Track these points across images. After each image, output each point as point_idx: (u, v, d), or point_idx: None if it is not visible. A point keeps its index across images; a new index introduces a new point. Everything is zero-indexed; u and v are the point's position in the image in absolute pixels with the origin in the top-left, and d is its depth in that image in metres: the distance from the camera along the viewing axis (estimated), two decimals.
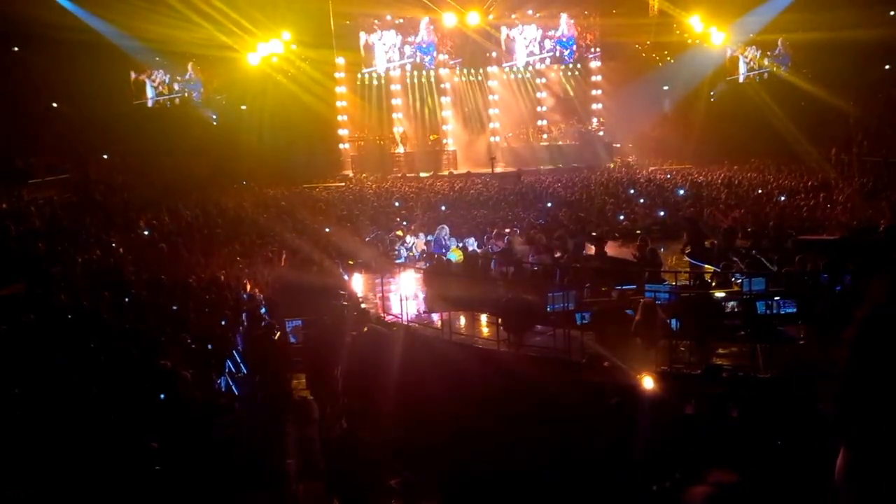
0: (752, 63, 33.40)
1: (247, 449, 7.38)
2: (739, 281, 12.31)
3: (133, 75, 30.56)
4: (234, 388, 9.90)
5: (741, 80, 33.60)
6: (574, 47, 35.73)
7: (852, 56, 27.98)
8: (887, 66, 29.90)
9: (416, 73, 35.19)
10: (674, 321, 10.30)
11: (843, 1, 26.41)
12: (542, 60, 35.87)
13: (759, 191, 23.52)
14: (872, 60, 28.92)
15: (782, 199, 21.82)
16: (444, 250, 16.67)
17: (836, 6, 26.39)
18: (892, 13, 28.21)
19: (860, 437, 1.04)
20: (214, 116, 32.23)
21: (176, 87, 31.72)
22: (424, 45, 34.60)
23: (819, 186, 23.27)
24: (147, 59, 30.52)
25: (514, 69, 36.16)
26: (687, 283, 12.96)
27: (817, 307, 10.01)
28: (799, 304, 10.69)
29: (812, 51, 31.60)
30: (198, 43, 28.55)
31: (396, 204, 23.50)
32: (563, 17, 35.19)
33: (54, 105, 27.81)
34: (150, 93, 31.22)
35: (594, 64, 36.21)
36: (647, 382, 8.37)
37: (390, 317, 12.34)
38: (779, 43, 32.70)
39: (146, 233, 18.27)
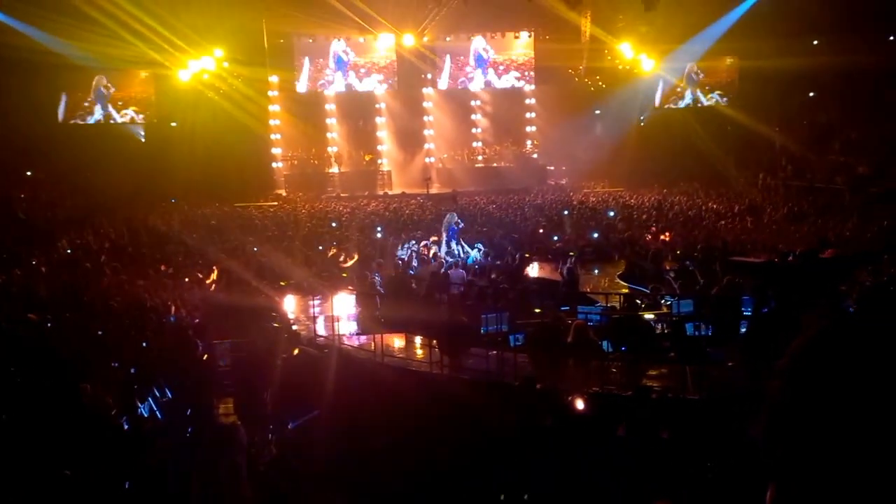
0: (682, 92, 34.44)
1: (171, 477, 7.09)
2: (669, 303, 12.54)
3: (65, 97, 29.72)
4: (158, 413, 9.54)
5: (674, 105, 34.60)
6: (510, 70, 36.19)
7: (777, 84, 29.17)
8: (811, 94, 31.24)
9: (351, 92, 35.06)
10: (605, 342, 10.41)
11: (768, 31, 27.51)
12: (477, 82, 36.20)
13: (690, 213, 24.16)
14: (796, 88, 30.19)
15: (709, 221, 22.48)
16: (455, 236, 17.00)
17: (761, 36, 27.47)
18: (814, 42, 29.52)
19: (788, 473, 1.01)
20: (141, 133, 31.43)
21: (106, 107, 30.83)
22: (360, 65, 34.57)
23: (746, 210, 24.05)
24: (73, 75, 29.66)
25: (450, 90, 36.39)
26: (617, 304, 13.14)
27: (744, 330, 10.26)
28: (724, 327, 10.94)
29: (738, 78, 32.85)
30: (126, 59, 27.89)
31: (334, 224, 23.26)
32: (483, 39, 35.66)
33: None
34: (84, 112, 30.39)
35: (528, 87, 36.75)
36: (579, 404, 8.40)
37: (322, 339, 12.14)
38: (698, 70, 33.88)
39: (69, 251, 17.61)
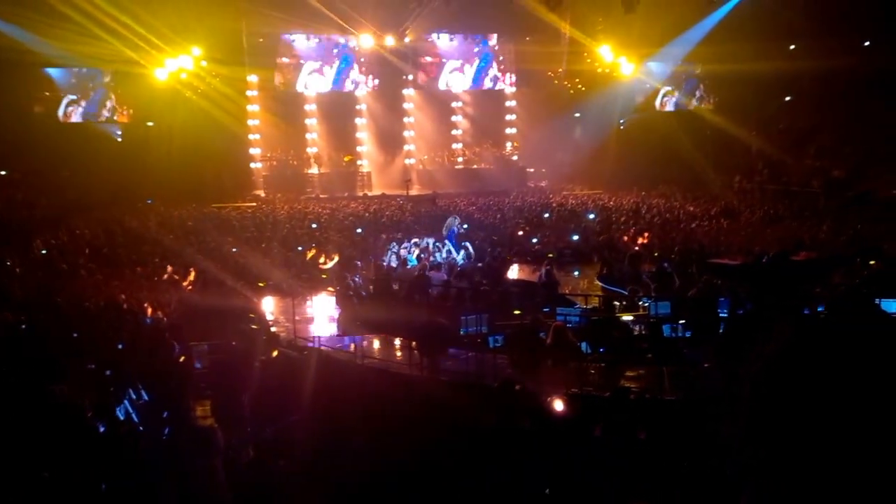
0: (661, 95, 34.72)
1: (147, 480, 7.02)
2: (646, 304, 12.62)
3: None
4: (134, 415, 9.44)
5: (654, 108, 34.86)
6: (489, 72, 36.29)
7: (754, 88, 29.47)
8: (787, 98, 31.60)
9: (331, 93, 34.95)
10: (584, 344, 10.46)
11: (745, 34, 27.79)
12: (458, 84, 36.24)
13: (667, 216, 24.34)
14: (773, 92, 30.53)
15: (686, 223, 22.69)
16: (454, 239, 16.97)
17: (738, 39, 27.74)
18: (791, 47, 29.85)
19: (761, 477, 1.02)
20: (118, 132, 31.11)
21: (81, 104, 30.54)
22: (339, 66, 34.49)
23: (721, 212, 24.27)
24: (50, 74, 29.35)
25: (430, 91, 36.40)
26: (597, 306, 13.20)
27: (720, 331, 10.35)
28: (701, 328, 11.04)
29: (716, 82, 33.18)
30: (102, 58, 27.57)
31: (314, 226, 23.16)
32: (480, 41, 35.73)
33: None
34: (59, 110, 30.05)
35: (509, 90, 36.83)
36: (558, 405, 8.44)
37: (302, 341, 12.09)
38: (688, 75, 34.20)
39: (44, 252, 17.40)
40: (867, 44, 27.96)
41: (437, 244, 18.67)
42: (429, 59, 35.73)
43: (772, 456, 1.02)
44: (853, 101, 27.96)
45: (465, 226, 19.12)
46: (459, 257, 18.08)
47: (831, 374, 1.00)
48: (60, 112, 30.31)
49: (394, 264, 17.12)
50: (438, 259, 17.67)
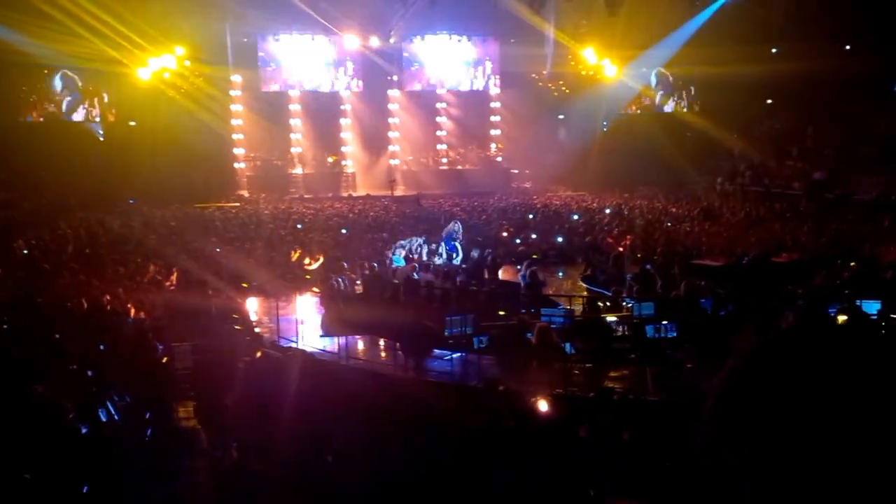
0: (644, 98, 34.94)
1: (131, 483, 6.98)
2: (630, 305, 12.69)
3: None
4: (116, 417, 9.37)
5: (637, 111, 35.07)
6: (474, 74, 36.33)
7: (736, 90, 29.72)
8: (769, 101, 31.88)
9: (315, 93, 34.86)
10: (568, 345, 10.50)
11: (728, 38, 28.01)
12: (443, 85, 36.27)
13: (650, 217, 24.47)
14: (755, 95, 30.79)
15: (669, 225, 22.86)
16: (454, 244, 16.99)
17: (720, 43, 27.96)
18: (773, 50, 30.13)
19: (725, 488, 1.04)
20: (101, 132, 30.86)
21: (64, 104, 30.29)
22: (324, 66, 34.43)
23: (702, 214, 24.44)
24: (31, 72, 29.09)
25: (415, 93, 36.41)
26: (581, 307, 13.24)
27: (701, 331, 10.42)
28: (683, 328, 11.11)
29: (699, 85, 33.42)
30: (84, 57, 27.35)
31: (299, 226, 23.09)
32: (465, 42, 35.78)
33: None
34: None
35: (493, 91, 36.90)
36: (542, 405, 8.46)
37: (286, 341, 12.04)
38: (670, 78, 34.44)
39: (25, 252, 17.24)
40: (848, 48, 28.27)
41: (433, 245, 18.68)
42: (414, 65, 35.72)
43: (735, 468, 1.03)
44: (834, 105, 28.26)
45: (461, 232, 19.15)
46: (456, 260, 18.08)
47: (793, 389, 0.99)
48: (43, 111, 30.05)
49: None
50: (437, 261, 17.69)
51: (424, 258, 17.97)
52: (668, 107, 34.90)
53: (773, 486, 0.97)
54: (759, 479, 0.98)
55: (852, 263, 14.94)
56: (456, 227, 19.19)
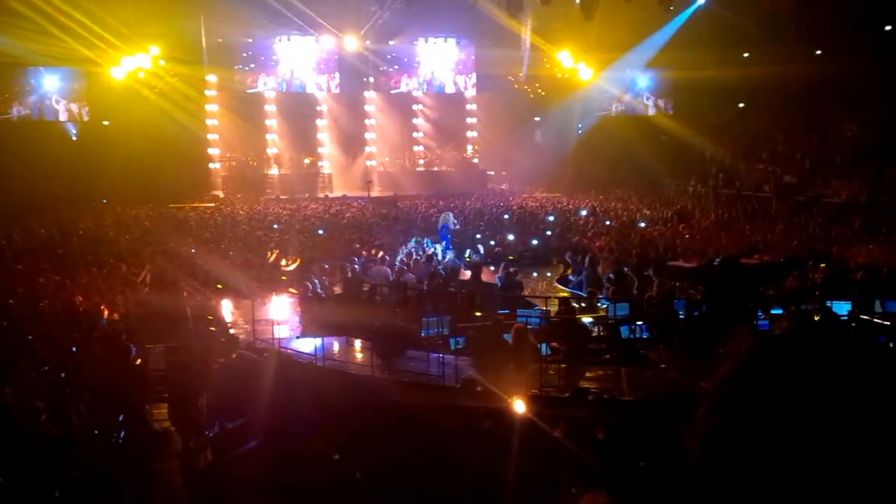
0: (620, 100, 35.19)
1: (104, 485, 6.91)
2: (605, 306, 12.79)
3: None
4: (89, 419, 9.27)
5: (612, 113, 35.31)
6: (451, 75, 36.39)
7: (709, 94, 30.05)
8: (741, 105, 32.27)
9: (291, 94, 34.70)
10: (544, 346, 10.55)
11: (701, 42, 28.31)
12: (419, 87, 36.28)
13: (624, 219, 24.67)
14: (727, 99, 31.16)
15: (643, 225, 23.08)
16: (448, 235, 17.00)
17: (694, 46, 28.26)
18: (745, 55, 30.49)
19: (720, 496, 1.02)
20: (74, 132, 30.47)
21: (32, 100, 29.87)
22: (300, 67, 34.30)
23: (676, 216, 24.70)
24: (3, 72, 28.66)
25: (392, 94, 36.40)
26: (557, 308, 13.32)
27: (675, 332, 10.53)
28: (657, 329, 11.22)
29: (672, 89, 33.74)
30: (57, 56, 26.98)
31: (276, 227, 22.97)
32: (441, 44, 35.82)
33: None
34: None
35: (470, 93, 36.98)
36: (519, 406, 8.50)
37: (262, 343, 11.98)
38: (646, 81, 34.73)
39: None
40: (819, 52, 28.71)
41: (431, 244, 18.78)
42: (391, 67, 35.71)
43: (727, 476, 1.00)
44: (805, 109, 28.68)
45: (457, 225, 19.18)
46: (448, 255, 18.14)
47: (792, 393, 0.97)
48: (14, 111, 29.62)
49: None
50: (449, 255, 17.77)
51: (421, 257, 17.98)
52: (643, 110, 35.17)
53: (773, 486, 0.95)
54: (758, 479, 0.96)
55: (822, 265, 15.17)
56: (449, 216, 19.20)
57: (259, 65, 33.97)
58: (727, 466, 0.96)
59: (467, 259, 18.55)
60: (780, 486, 0.93)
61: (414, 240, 19.57)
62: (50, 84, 30.07)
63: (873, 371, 0.97)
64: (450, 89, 36.61)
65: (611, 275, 15.21)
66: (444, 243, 18.69)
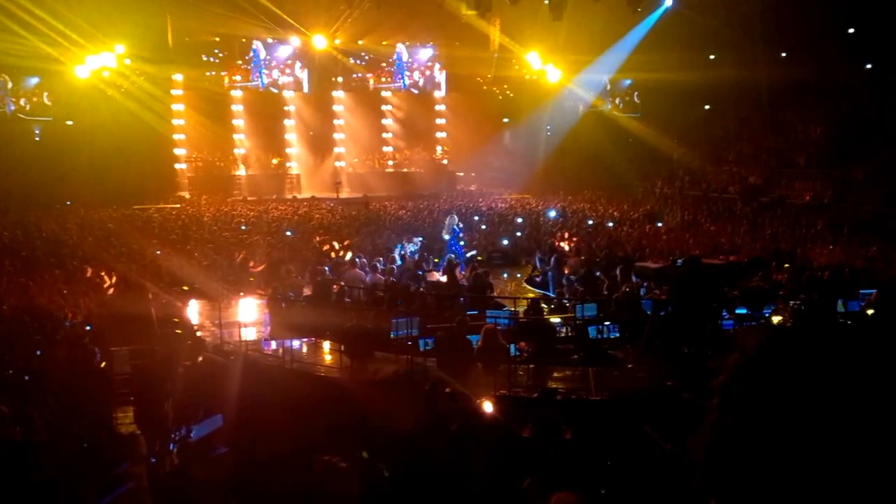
0: (588, 102, 35.43)
1: (67, 490, 6.79)
2: (572, 306, 12.86)
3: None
4: (53, 423, 9.11)
5: (579, 115, 35.54)
6: (419, 76, 36.38)
7: (675, 97, 30.40)
8: (707, 107, 32.68)
9: (259, 93, 34.42)
10: (513, 346, 10.59)
11: (667, 45, 28.60)
12: (388, 86, 36.23)
13: (591, 221, 24.85)
14: (694, 101, 31.54)
15: (610, 225, 23.29)
16: (456, 239, 16.97)
17: (661, 49, 28.54)
18: (711, 57, 30.86)
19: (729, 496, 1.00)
20: (37, 132, 29.90)
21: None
22: (269, 66, 34.05)
23: (643, 217, 24.95)
24: None
25: (360, 94, 36.29)
26: (525, 309, 13.37)
27: (642, 332, 10.64)
28: (625, 329, 11.32)
29: (640, 91, 34.06)
30: (18, 54, 26.41)
31: (244, 227, 22.76)
32: (409, 46, 35.80)
33: None
34: None
35: (438, 93, 37.00)
36: (487, 406, 8.52)
37: (228, 346, 11.87)
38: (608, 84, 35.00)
39: None
40: (784, 55, 29.17)
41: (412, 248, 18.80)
42: (360, 66, 35.60)
43: (736, 477, 0.98)
44: (770, 111, 29.12)
45: (461, 226, 19.23)
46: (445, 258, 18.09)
47: (799, 385, 0.95)
48: None
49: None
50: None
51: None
52: (610, 112, 35.44)
53: (778, 486, 0.94)
54: (775, 478, 0.94)
55: (786, 265, 15.41)
56: (454, 218, 19.22)
57: (226, 64, 33.63)
58: (741, 467, 0.94)
59: (479, 258, 18.61)
60: (799, 485, 0.91)
61: (400, 245, 19.50)
62: (9, 83, 29.41)
63: (874, 365, 0.95)
64: (418, 89, 36.59)
65: (578, 274, 15.32)
66: (452, 245, 18.65)
